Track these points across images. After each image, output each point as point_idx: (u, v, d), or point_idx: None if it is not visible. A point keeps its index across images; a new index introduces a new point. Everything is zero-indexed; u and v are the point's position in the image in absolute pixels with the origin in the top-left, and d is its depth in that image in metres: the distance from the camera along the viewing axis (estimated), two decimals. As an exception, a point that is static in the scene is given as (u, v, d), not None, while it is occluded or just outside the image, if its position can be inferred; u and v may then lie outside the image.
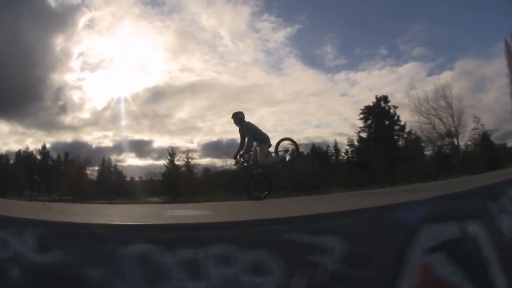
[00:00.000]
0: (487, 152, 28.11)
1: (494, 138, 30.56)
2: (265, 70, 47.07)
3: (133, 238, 1.99)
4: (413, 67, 37.96)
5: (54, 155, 35.31)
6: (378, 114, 31.46)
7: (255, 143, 6.33)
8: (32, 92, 35.71)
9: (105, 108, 37.60)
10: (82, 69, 47.14)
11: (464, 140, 28.97)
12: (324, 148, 34.97)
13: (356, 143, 32.75)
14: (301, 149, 29.15)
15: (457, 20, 37.05)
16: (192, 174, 34.63)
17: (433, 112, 27.61)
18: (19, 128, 40.31)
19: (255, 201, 6.06)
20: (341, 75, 41.44)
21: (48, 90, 36.14)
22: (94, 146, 37.15)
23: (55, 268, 1.96)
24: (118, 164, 36.68)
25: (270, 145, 6.38)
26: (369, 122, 31.73)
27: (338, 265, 1.95)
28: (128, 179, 36.64)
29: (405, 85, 40.74)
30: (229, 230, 2.06)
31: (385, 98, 31.78)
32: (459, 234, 2.21)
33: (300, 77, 40.72)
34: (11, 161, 33.29)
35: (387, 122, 31.31)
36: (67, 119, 42.86)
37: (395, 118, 31.22)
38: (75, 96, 47.90)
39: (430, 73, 41.39)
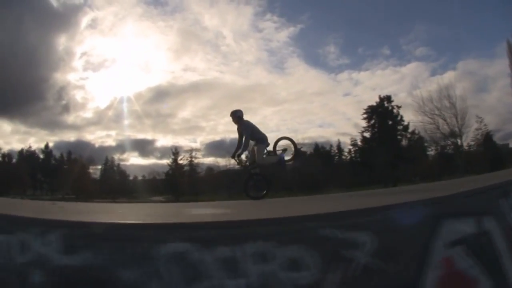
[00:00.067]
0: (490, 152, 28.12)
1: (497, 138, 30.74)
2: (268, 70, 47.68)
3: (168, 237, 1.98)
4: (416, 67, 38.38)
5: (57, 154, 35.53)
6: (381, 114, 31.45)
7: (252, 142, 6.22)
8: (35, 91, 36.32)
9: (108, 108, 38.14)
10: (85, 69, 48.34)
11: (467, 140, 29.04)
12: (327, 148, 35.17)
13: (359, 143, 32.81)
14: (304, 149, 29.44)
15: (459, 21, 37.21)
16: (195, 173, 34.73)
17: (437, 112, 27.63)
18: (22, 127, 41.08)
19: (254, 200, 5.88)
20: (344, 75, 42.01)
21: (51, 90, 37.05)
22: (97, 145, 37.76)
23: (83, 270, 1.93)
24: (121, 163, 36.99)
25: (267, 145, 6.29)
26: (372, 122, 31.74)
27: (369, 259, 2.04)
28: (131, 178, 36.76)
29: (408, 85, 40.63)
30: (265, 227, 2.10)
31: (388, 98, 31.86)
32: (476, 229, 2.37)
33: (303, 77, 41.18)
34: (14, 160, 33.37)
35: (390, 122, 31.30)
36: (70, 118, 43.62)
37: (399, 118, 31.24)
38: (78, 95, 48.84)
39: (433, 73, 42.07)
